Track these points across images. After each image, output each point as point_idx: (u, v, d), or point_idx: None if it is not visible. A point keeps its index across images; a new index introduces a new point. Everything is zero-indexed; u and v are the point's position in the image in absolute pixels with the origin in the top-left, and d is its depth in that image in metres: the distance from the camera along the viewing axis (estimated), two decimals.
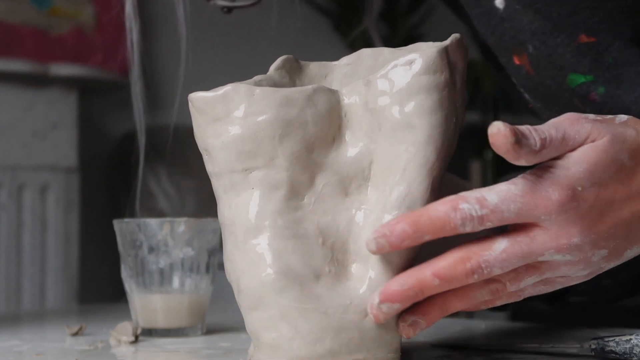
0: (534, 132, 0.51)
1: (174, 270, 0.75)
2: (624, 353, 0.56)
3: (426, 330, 0.78)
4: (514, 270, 0.53)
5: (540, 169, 0.52)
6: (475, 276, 0.52)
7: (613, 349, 0.56)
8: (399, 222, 0.51)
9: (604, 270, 0.55)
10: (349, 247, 0.55)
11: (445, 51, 0.54)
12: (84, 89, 2.05)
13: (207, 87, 0.56)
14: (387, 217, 0.53)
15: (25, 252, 1.90)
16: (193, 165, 2.10)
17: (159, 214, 2.06)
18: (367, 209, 0.55)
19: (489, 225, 0.51)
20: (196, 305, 0.76)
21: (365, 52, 0.62)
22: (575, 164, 0.52)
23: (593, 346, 0.57)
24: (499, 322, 0.83)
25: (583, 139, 0.53)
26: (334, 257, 0.54)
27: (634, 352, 0.55)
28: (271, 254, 0.53)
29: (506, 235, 0.52)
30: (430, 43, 0.57)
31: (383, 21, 2.57)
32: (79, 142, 1.99)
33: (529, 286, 0.55)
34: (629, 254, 0.55)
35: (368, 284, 0.53)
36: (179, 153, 2.17)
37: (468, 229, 0.51)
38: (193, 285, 0.76)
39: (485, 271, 0.52)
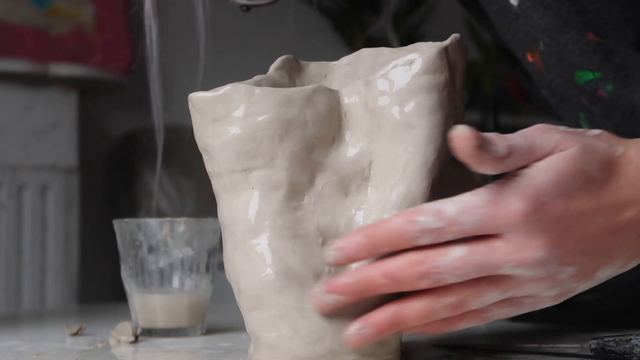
0: (501, 139, 0.49)
1: (173, 270, 0.75)
2: (624, 353, 0.56)
3: None
4: (474, 284, 0.51)
5: (506, 178, 0.50)
6: (426, 281, 0.50)
7: (613, 349, 0.56)
8: (356, 234, 0.51)
9: (576, 293, 0.53)
10: None
11: (445, 51, 0.54)
12: (84, 89, 2.05)
13: (207, 87, 0.56)
14: (387, 217, 0.53)
15: (25, 252, 1.90)
16: (193, 165, 2.10)
17: (159, 214, 2.06)
18: (367, 209, 0.55)
19: (448, 237, 0.50)
20: (196, 305, 0.76)
21: (365, 52, 0.62)
22: (542, 172, 0.50)
23: (593, 346, 0.57)
24: (499, 322, 0.83)
25: (551, 148, 0.51)
26: None
27: (634, 352, 0.55)
28: (271, 254, 0.53)
29: (466, 242, 0.50)
30: (430, 43, 0.57)
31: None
32: (79, 142, 1.99)
33: (494, 306, 0.52)
34: (602, 275, 0.53)
35: None
36: (179, 153, 2.18)
37: (426, 241, 0.50)
38: (193, 285, 0.76)
39: (438, 277, 0.50)
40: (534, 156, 0.50)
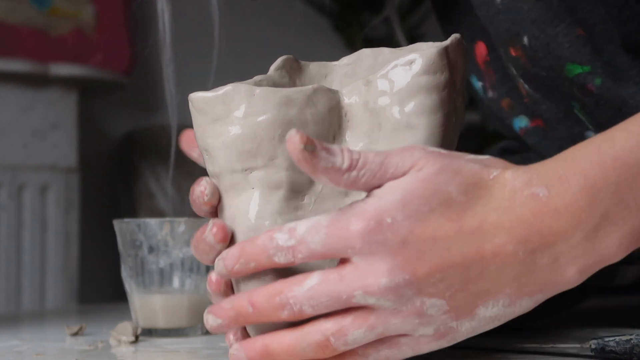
0: (346, 152, 0.47)
1: (173, 270, 0.75)
2: (624, 353, 0.56)
3: None
4: (335, 318, 0.48)
5: (357, 200, 0.48)
6: (286, 312, 0.48)
7: (613, 349, 0.56)
8: (235, 246, 0.50)
9: (461, 333, 0.49)
10: None
11: (445, 51, 0.54)
12: (84, 89, 2.05)
13: (207, 87, 0.56)
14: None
15: (25, 252, 1.90)
16: (193, 165, 2.10)
17: (159, 214, 2.06)
18: None
19: (300, 257, 0.48)
20: (196, 305, 0.76)
21: (365, 52, 0.62)
22: (389, 192, 0.47)
23: (593, 346, 0.57)
24: None
25: (408, 168, 0.48)
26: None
27: (634, 352, 0.55)
28: None
29: (320, 272, 0.48)
30: (430, 43, 0.57)
31: (383, 21, 2.56)
32: (79, 142, 1.99)
33: (371, 348, 0.49)
34: (485, 313, 0.48)
35: None
36: (179, 153, 2.17)
37: (282, 260, 0.48)
38: (193, 285, 0.76)
39: (294, 307, 0.47)
40: (387, 174, 0.48)
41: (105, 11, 2.12)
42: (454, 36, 0.56)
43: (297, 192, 0.54)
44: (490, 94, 0.77)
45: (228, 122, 0.54)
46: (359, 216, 0.47)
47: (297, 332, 0.49)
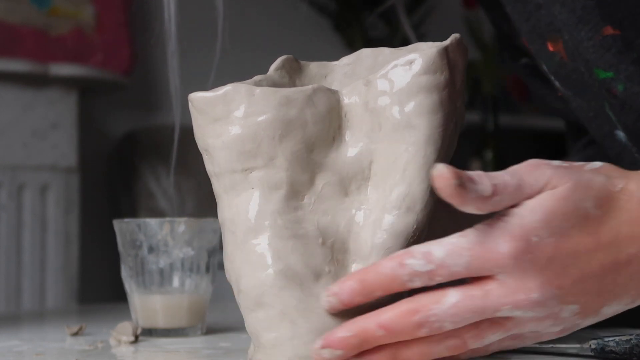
0: (485, 178, 0.48)
1: (174, 270, 0.75)
2: (624, 353, 0.56)
3: None
4: (475, 326, 0.50)
5: (494, 219, 0.49)
6: (425, 330, 0.49)
7: (613, 349, 0.56)
8: (348, 279, 0.50)
9: (581, 327, 0.52)
10: (349, 247, 0.55)
11: (445, 51, 0.54)
12: (84, 89, 2.05)
13: (207, 87, 0.56)
14: (387, 217, 0.53)
15: (25, 252, 1.90)
16: (193, 165, 2.10)
17: (159, 214, 2.06)
18: (367, 209, 0.55)
19: (439, 280, 0.49)
20: (196, 305, 0.76)
21: (365, 52, 0.62)
22: (531, 212, 0.48)
23: (593, 346, 0.57)
24: None
25: (542, 186, 0.49)
26: (334, 257, 0.54)
27: (634, 352, 0.55)
28: (271, 254, 0.53)
29: (459, 287, 0.49)
30: (430, 43, 0.57)
31: (383, 21, 2.57)
32: (79, 142, 1.99)
33: (496, 344, 0.52)
34: (608, 311, 0.52)
35: None
36: (179, 153, 2.17)
37: (418, 284, 0.49)
38: (193, 285, 0.76)
39: (435, 325, 0.49)
40: (523, 195, 0.49)
41: (105, 11, 2.12)
42: (454, 36, 0.56)
43: (297, 192, 0.54)
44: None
45: (228, 122, 0.54)
46: (506, 237, 0.48)
47: (431, 341, 0.50)
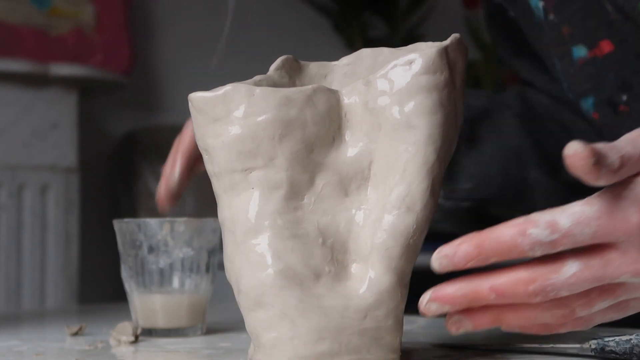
0: (612, 150, 0.48)
1: (174, 270, 0.75)
2: (624, 353, 0.56)
3: (426, 330, 0.78)
4: (586, 294, 0.50)
5: (619, 187, 0.49)
6: (538, 298, 0.49)
7: (613, 349, 0.56)
8: (463, 242, 0.49)
9: None
10: (349, 247, 0.55)
11: (445, 51, 0.54)
12: (84, 89, 2.05)
13: (208, 87, 0.56)
14: (387, 217, 0.53)
15: (25, 252, 1.90)
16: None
17: (159, 214, 2.06)
18: (367, 209, 0.55)
19: (561, 248, 0.49)
20: (196, 305, 0.76)
21: (365, 52, 0.62)
22: None
23: (593, 346, 0.57)
24: None
25: None
26: (334, 257, 0.54)
27: (634, 352, 0.55)
28: (271, 254, 0.53)
29: (578, 257, 0.49)
30: (430, 43, 0.57)
31: (383, 21, 2.57)
32: (79, 142, 1.99)
33: (600, 313, 0.52)
34: None
35: (368, 284, 0.53)
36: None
37: (538, 253, 0.49)
38: (193, 285, 0.76)
39: (550, 294, 0.49)
40: None
41: (105, 11, 2.12)
42: (454, 36, 0.56)
43: (296, 192, 0.54)
44: (550, 17, 0.76)
45: (228, 122, 0.54)
46: (636, 207, 0.48)
47: (539, 308, 0.50)
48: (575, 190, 0.82)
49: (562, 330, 0.52)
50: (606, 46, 0.73)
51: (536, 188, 0.81)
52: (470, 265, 0.50)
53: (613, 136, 0.70)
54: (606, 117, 0.73)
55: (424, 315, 0.51)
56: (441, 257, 0.50)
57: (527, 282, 0.49)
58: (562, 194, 0.81)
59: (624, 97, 0.72)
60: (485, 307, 0.51)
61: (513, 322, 0.51)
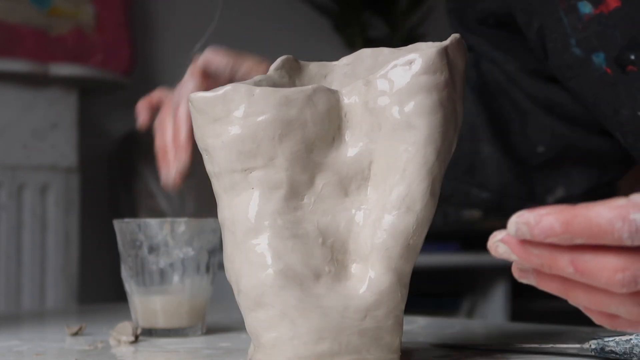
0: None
1: (174, 270, 0.75)
2: (624, 353, 0.56)
3: (426, 330, 0.78)
4: None
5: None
6: (625, 289, 0.45)
7: (613, 349, 0.56)
8: (550, 214, 0.44)
9: None
10: (349, 247, 0.55)
11: (445, 51, 0.54)
12: (84, 89, 2.05)
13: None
14: (387, 217, 0.53)
15: (25, 252, 1.90)
16: (193, 165, 2.10)
17: (159, 214, 2.06)
18: (367, 209, 0.55)
19: None
20: (196, 305, 0.76)
21: (365, 52, 0.62)
22: None
23: (593, 346, 0.57)
24: (499, 322, 0.83)
25: None
26: (334, 257, 0.54)
27: (634, 352, 0.55)
28: (271, 254, 0.53)
29: None
30: (430, 43, 0.57)
31: (383, 21, 2.57)
32: (79, 142, 1.99)
33: None
34: None
35: (368, 284, 0.53)
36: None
37: (637, 243, 0.44)
38: (193, 286, 0.76)
39: (637, 286, 0.44)
40: None
41: (105, 11, 2.12)
42: (454, 36, 0.56)
43: (297, 192, 0.54)
44: None
45: (228, 122, 0.54)
46: None
47: (622, 297, 0.46)
48: (526, 168, 0.83)
49: (629, 329, 0.48)
50: (612, 1, 0.70)
51: (489, 163, 0.81)
52: (549, 241, 0.45)
53: (627, 95, 0.69)
54: (617, 75, 0.70)
55: (489, 250, 0.47)
56: (520, 223, 0.45)
57: (616, 269, 0.44)
58: (514, 170, 0.80)
59: (632, 56, 0.70)
60: (555, 276, 0.47)
61: (581, 301, 0.47)
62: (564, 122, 0.81)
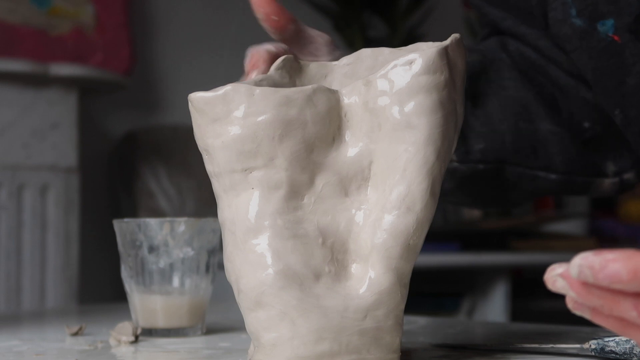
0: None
1: (174, 270, 0.75)
2: (624, 353, 0.56)
3: (426, 330, 0.78)
4: None
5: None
6: None
7: (613, 349, 0.56)
8: (616, 260, 0.42)
9: None
10: (349, 247, 0.55)
11: (445, 51, 0.54)
12: (84, 89, 2.04)
13: (208, 87, 0.56)
14: (387, 217, 0.53)
15: (25, 252, 1.90)
16: (193, 165, 2.10)
17: (159, 214, 2.06)
18: (367, 209, 0.55)
19: None
20: (196, 305, 0.76)
21: (365, 52, 0.62)
22: None
23: (593, 346, 0.57)
24: (499, 322, 0.83)
25: None
26: (334, 257, 0.54)
27: (634, 352, 0.55)
28: (271, 254, 0.53)
29: None
30: (430, 43, 0.57)
31: (383, 21, 2.56)
32: (79, 142, 1.99)
33: None
34: None
35: (368, 284, 0.53)
36: (179, 153, 2.18)
37: None
38: (193, 285, 0.76)
39: None
40: None
41: (105, 11, 2.11)
42: (454, 36, 0.56)
43: (297, 192, 0.54)
44: None
45: (228, 122, 0.54)
46: None
47: None
48: (588, 143, 0.79)
49: None
50: None
51: (549, 140, 0.77)
52: (614, 287, 0.43)
53: (635, 63, 0.67)
54: (626, 42, 0.68)
55: (545, 282, 0.45)
56: (584, 267, 0.43)
57: None
58: (577, 146, 0.77)
59: None
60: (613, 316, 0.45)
61: (638, 338, 0.46)
62: None
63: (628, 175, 0.79)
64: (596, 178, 0.78)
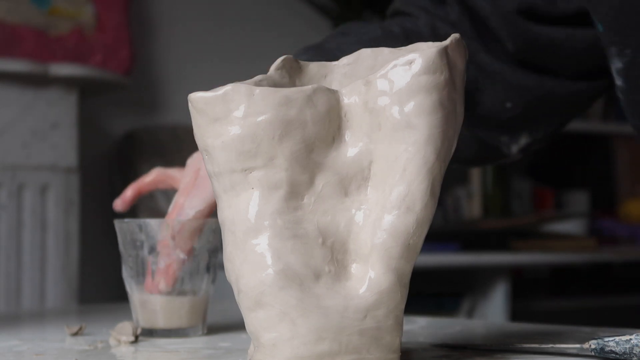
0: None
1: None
2: (624, 353, 0.56)
3: (426, 330, 0.78)
4: None
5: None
6: None
7: (613, 349, 0.56)
8: None
9: None
10: (349, 247, 0.55)
11: (445, 51, 0.54)
12: (84, 89, 2.04)
13: (208, 87, 0.56)
14: (387, 217, 0.53)
15: (25, 252, 1.90)
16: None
17: (159, 214, 2.06)
18: (367, 209, 0.55)
19: None
20: (196, 306, 0.76)
21: (365, 52, 0.62)
22: None
23: (593, 346, 0.57)
24: (499, 322, 0.83)
25: None
26: (334, 257, 0.54)
27: (634, 352, 0.55)
28: (271, 254, 0.53)
29: None
30: (430, 43, 0.57)
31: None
32: (79, 142, 1.99)
33: None
34: None
35: (368, 284, 0.53)
36: (179, 153, 2.17)
37: None
38: (193, 286, 0.76)
39: None
40: None
41: (105, 11, 2.11)
42: (454, 36, 0.56)
43: (296, 192, 0.54)
44: None
45: (228, 122, 0.54)
46: None
47: None
48: (492, 122, 0.82)
49: None
50: None
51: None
52: None
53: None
54: None
55: None
56: None
57: None
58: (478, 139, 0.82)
59: None
60: None
61: None
62: (534, 74, 0.83)
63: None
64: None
